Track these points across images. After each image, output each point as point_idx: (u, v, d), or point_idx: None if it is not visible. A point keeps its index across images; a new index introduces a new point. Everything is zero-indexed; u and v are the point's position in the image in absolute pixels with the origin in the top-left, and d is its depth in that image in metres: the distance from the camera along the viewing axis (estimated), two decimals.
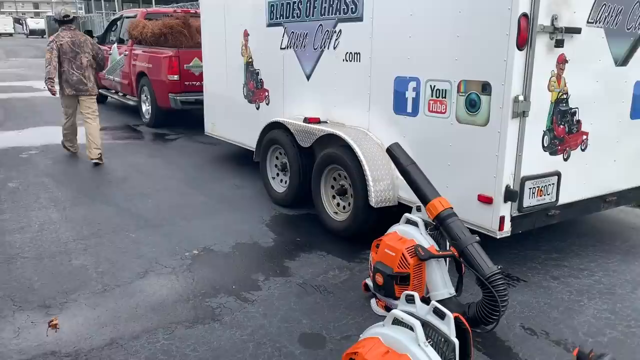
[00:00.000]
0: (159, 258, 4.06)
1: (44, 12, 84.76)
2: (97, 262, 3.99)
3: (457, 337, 2.10)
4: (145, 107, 9.61)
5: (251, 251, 4.24)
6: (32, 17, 75.51)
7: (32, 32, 60.09)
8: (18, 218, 4.86)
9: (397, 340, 2.05)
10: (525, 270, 3.90)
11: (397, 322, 2.12)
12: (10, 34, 63.21)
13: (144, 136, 8.92)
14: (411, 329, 2.06)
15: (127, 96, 10.44)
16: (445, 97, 3.66)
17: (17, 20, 72.06)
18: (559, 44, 3.30)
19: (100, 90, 11.49)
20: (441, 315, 2.13)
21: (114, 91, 11.11)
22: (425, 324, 2.11)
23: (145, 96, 9.51)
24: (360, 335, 2.23)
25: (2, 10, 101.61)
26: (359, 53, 4.37)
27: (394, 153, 3.28)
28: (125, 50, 10.04)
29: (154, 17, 9.88)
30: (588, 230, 4.74)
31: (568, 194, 3.71)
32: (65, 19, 6.88)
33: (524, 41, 3.18)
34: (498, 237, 3.44)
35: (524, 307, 3.39)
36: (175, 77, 8.62)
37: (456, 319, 2.15)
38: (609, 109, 3.83)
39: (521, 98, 3.24)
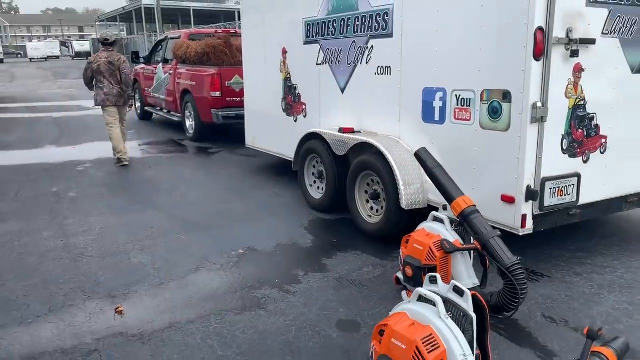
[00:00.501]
0: (208, 256, 4.45)
1: (89, 34, 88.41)
2: (153, 260, 4.41)
3: (475, 312, 2.39)
4: (189, 123, 10.16)
5: (291, 251, 4.59)
6: (77, 40, 78.93)
7: (78, 54, 62.78)
8: (80, 223, 5.35)
9: (421, 314, 2.36)
10: (549, 267, 4.13)
11: (421, 299, 2.43)
12: (57, 57, 66.16)
13: (188, 150, 9.45)
14: (434, 304, 2.36)
15: (172, 113, 11.04)
16: (469, 106, 3.96)
17: (63, 44, 75.39)
18: (574, 54, 3.57)
19: (146, 108, 12.25)
20: (460, 293, 2.42)
21: (159, 108, 11.76)
22: (446, 300, 2.41)
23: (189, 112, 10.06)
24: (390, 312, 2.54)
25: (49, 34, 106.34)
26: (390, 67, 4.71)
27: (422, 157, 3.59)
28: (170, 70, 10.65)
29: (197, 38, 10.48)
30: (614, 231, 4.92)
31: (589, 195, 3.94)
32: (105, 41, 8.06)
33: (540, 52, 3.47)
34: (521, 234, 3.70)
35: (546, 299, 3.63)
36: (218, 93, 9.13)
37: (474, 297, 2.44)
38: (628, 113, 4.05)
39: (539, 105, 3.52)
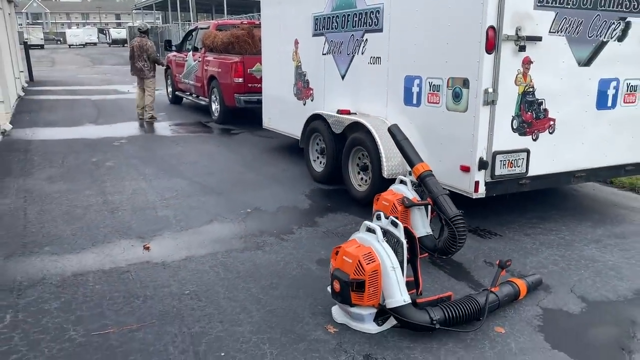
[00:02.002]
0: (220, 213, 5.35)
1: (125, 22, 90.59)
2: (175, 214, 5.32)
3: (408, 241, 3.21)
4: (215, 106, 11.09)
5: (291, 211, 5.46)
6: (114, 28, 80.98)
7: (115, 42, 64.59)
8: (116, 185, 6.32)
9: (365, 239, 3.18)
10: (504, 229, 4.89)
11: (368, 230, 3.25)
12: (95, 44, 68.21)
13: (212, 130, 10.39)
14: (375, 232, 3.18)
15: (200, 97, 12.01)
16: (439, 91, 4.74)
17: (100, 31, 77.50)
18: (522, 49, 4.31)
19: (176, 93, 13.24)
20: (395, 225, 3.24)
21: (188, 93, 12.74)
22: (386, 231, 3.23)
23: (215, 97, 11.00)
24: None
25: (88, 20, 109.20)
26: (380, 57, 5.50)
27: (392, 131, 4.40)
28: (199, 57, 11.60)
29: (224, 28, 11.38)
30: (572, 205, 5.64)
31: (538, 168, 4.68)
32: (139, 30, 11.45)
33: (491, 47, 4.22)
34: (474, 197, 4.47)
35: (491, 250, 4.41)
36: (240, 79, 10.03)
37: (405, 229, 3.25)
38: (574, 100, 4.76)
39: (490, 90, 4.28)
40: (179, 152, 8.29)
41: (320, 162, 6.53)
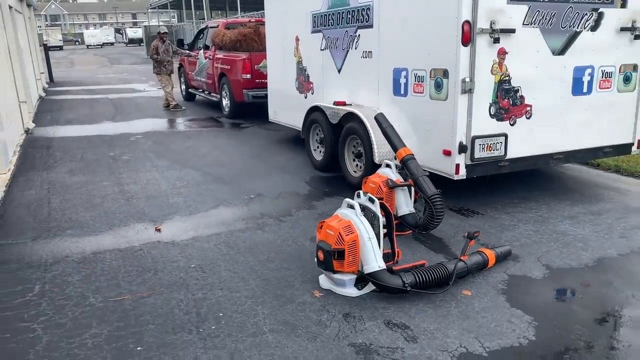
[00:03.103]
0: (226, 199, 5.81)
1: (141, 21, 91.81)
2: (185, 201, 5.80)
3: (385, 216, 3.63)
4: (225, 102, 11.57)
5: (291, 197, 5.90)
6: (130, 27, 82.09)
7: (131, 41, 65.64)
8: (132, 176, 6.82)
9: (346, 214, 3.60)
10: (486, 208, 5.27)
11: (349, 206, 3.67)
12: (112, 44, 69.37)
13: (223, 125, 10.87)
14: (354, 208, 3.60)
15: (211, 94, 12.50)
16: (423, 82, 5.13)
17: (117, 31, 78.66)
18: (497, 40, 4.68)
19: (190, 90, 13.72)
20: (372, 201, 3.66)
21: (200, 90, 13.25)
22: (364, 207, 3.65)
23: (225, 93, 11.47)
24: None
25: (105, 21, 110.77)
26: (371, 51, 5.90)
27: (378, 119, 4.81)
28: (210, 55, 12.08)
29: (232, 27, 11.84)
30: (556, 186, 5.98)
31: (516, 151, 5.05)
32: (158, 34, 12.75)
33: (467, 40, 4.60)
34: (455, 179, 4.86)
35: (472, 227, 4.80)
36: (248, 75, 10.48)
37: (381, 204, 3.66)
38: (551, 87, 5.11)
39: (467, 79, 4.65)
40: (191, 145, 8.77)
41: (320, 151, 6.95)
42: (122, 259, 4.30)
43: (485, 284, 3.72)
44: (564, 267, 3.97)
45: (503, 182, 5.86)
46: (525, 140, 5.09)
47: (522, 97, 4.99)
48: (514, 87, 4.93)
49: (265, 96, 10.30)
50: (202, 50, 12.74)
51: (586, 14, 5.08)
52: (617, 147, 5.66)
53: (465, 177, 4.90)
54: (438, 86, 4.92)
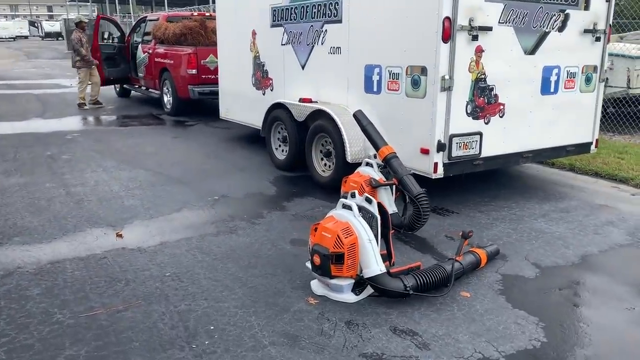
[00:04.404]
0: (188, 201, 5.44)
1: (58, 14, 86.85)
2: (142, 203, 5.37)
3: (380, 216, 3.46)
4: (167, 98, 11.02)
5: (258, 197, 5.62)
6: (47, 20, 77.53)
7: (48, 35, 61.98)
8: (77, 177, 6.27)
9: (342, 215, 3.41)
10: (460, 207, 5.24)
11: (344, 206, 3.48)
12: (26, 37, 65.25)
13: (166, 122, 10.34)
14: (351, 209, 3.41)
15: (150, 89, 11.89)
16: (398, 79, 5.01)
17: (32, 23, 74.07)
18: (475, 38, 4.65)
19: (124, 86, 12.96)
20: (369, 201, 3.48)
21: (137, 86, 12.57)
22: (361, 208, 3.46)
23: (167, 89, 10.93)
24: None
25: (17, 13, 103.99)
26: (340, 47, 5.72)
27: (357, 116, 4.65)
28: (149, 49, 11.47)
29: (174, 20, 11.30)
30: (520, 184, 6.08)
31: (490, 149, 5.04)
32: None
33: (447, 36, 4.53)
34: (433, 177, 4.78)
35: (451, 226, 4.74)
36: (194, 71, 10.03)
37: (379, 204, 3.50)
38: (522, 86, 5.15)
39: (447, 77, 4.59)
40: (136, 144, 8.24)
41: (283, 150, 6.70)
42: (86, 268, 3.87)
43: (481, 285, 3.65)
44: (553, 265, 3.97)
45: (471, 181, 5.86)
46: (498, 139, 5.10)
47: (496, 95, 5.00)
48: (489, 86, 4.92)
49: (212, 92, 9.98)
50: (140, 45, 12.09)
51: (554, 14, 5.17)
52: (578, 146, 5.81)
53: (442, 176, 4.84)
54: (415, 83, 4.82)
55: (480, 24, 4.66)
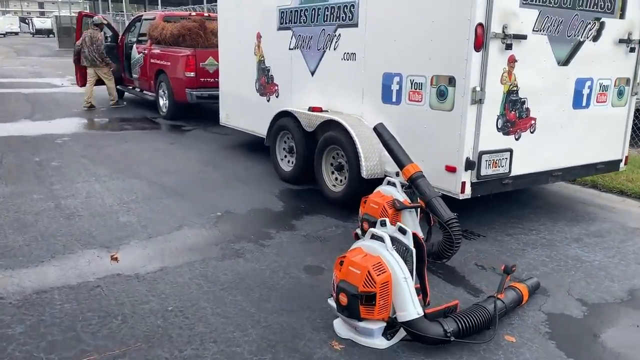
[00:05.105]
0: (189, 217, 4.99)
1: (49, 11, 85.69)
2: (139, 219, 4.92)
3: (415, 248, 3.04)
4: (163, 101, 10.55)
5: (264, 214, 5.18)
6: (38, 17, 76.42)
7: (39, 32, 61.06)
8: (67, 188, 5.79)
9: (373, 247, 2.99)
10: (486, 229, 4.84)
11: (374, 237, 3.05)
12: (16, 33, 64.23)
13: (161, 127, 9.87)
14: (383, 241, 2.99)
15: (145, 92, 11.41)
16: (421, 89, 4.60)
17: (22, 20, 73.00)
18: (509, 47, 4.24)
19: (118, 87, 12.47)
20: (403, 232, 3.06)
21: (131, 87, 12.07)
22: (393, 239, 3.04)
23: (163, 91, 10.45)
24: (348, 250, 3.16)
25: (8, 9, 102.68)
26: (355, 53, 5.31)
27: (379, 130, 4.22)
28: (145, 49, 10.99)
29: (172, 20, 10.83)
30: (544, 204, 5.68)
31: (519, 167, 4.64)
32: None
33: (480, 44, 4.12)
34: (460, 198, 4.37)
35: (479, 252, 4.33)
36: (192, 74, 9.56)
37: (414, 235, 3.08)
38: (554, 99, 4.76)
39: (478, 89, 4.18)
40: (130, 149, 7.77)
41: (289, 161, 6.27)
42: (77, 300, 3.41)
43: (525, 326, 3.23)
44: (600, 302, 3.57)
45: (491, 200, 5.46)
46: (528, 156, 4.70)
47: (527, 109, 4.60)
48: (521, 99, 4.52)
49: (211, 97, 9.53)
50: (135, 44, 11.60)
51: (589, 22, 4.78)
52: (607, 164, 5.43)
53: (469, 197, 4.43)
54: (441, 95, 4.42)
55: (514, 32, 4.25)
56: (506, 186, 4.64)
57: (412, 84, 4.69)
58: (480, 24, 4.09)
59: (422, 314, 2.89)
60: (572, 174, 5.24)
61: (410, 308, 2.87)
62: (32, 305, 3.34)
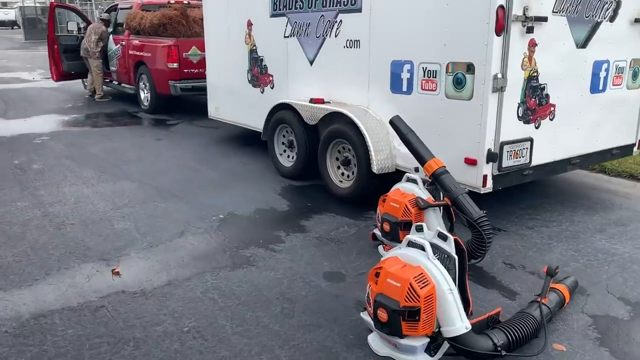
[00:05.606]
0: (190, 222, 4.66)
1: (13, 2, 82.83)
2: (136, 226, 4.57)
3: (456, 254, 2.79)
4: (144, 95, 10.09)
5: (270, 214, 4.88)
6: (0, 8, 73.74)
7: (2, 24, 58.88)
8: (53, 193, 5.40)
9: (412, 257, 2.72)
10: (505, 223, 4.62)
11: (410, 244, 2.79)
12: None
13: (145, 122, 9.43)
14: (422, 248, 2.73)
15: (124, 84, 10.93)
16: (435, 77, 4.33)
17: None
18: (530, 30, 3.99)
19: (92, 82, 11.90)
20: (444, 238, 2.81)
21: (108, 80, 11.55)
22: (432, 245, 2.78)
23: (144, 84, 9.99)
24: (381, 259, 2.89)
25: None
26: (359, 40, 4.99)
27: (396, 123, 3.94)
28: (122, 40, 10.48)
29: (150, 8, 10.33)
30: (557, 191, 5.49)
31: (539, 157, 4.42)
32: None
33: (501, 28, 3.85)
34: (482, 192, 4.13)
35: (504, 249, 4.11)
36: (175, 65, 9.13)
37: (455, 241, 2.83)
38: (572, 84, 4.54)
39: (499, 76, 3.92)
40: (115, 148, 7.36)
41: (289, 156, 5.96)
42: (80, 324, 3.09)
43: (572, 332, 3.02)
44: None
45: (499, 190, 5.25)
46: (548, 145, 4.48)
47: (547, 95, 4.37)
48: (541, 85, 4.28)
49: (195, 88, 9.16)
50: (110, 35, 11.07)
51: (607, 2, 4.55)
52: (622, 148, 5.25)
53: (491, 190, 4.20)
54: (459, 83, 4.15)
55: (535, 14, 3.99)
56: (526, 177, 4.42)
57: (424, 72, 4.41)
58: (501, 6, 3.82)
59: (470, 327, 2.64)
60: (589, 160, 5.03)
61: (458, 322, 2.62)
62: (32, 332, 3.00)
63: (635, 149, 5.40)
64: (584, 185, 5.72)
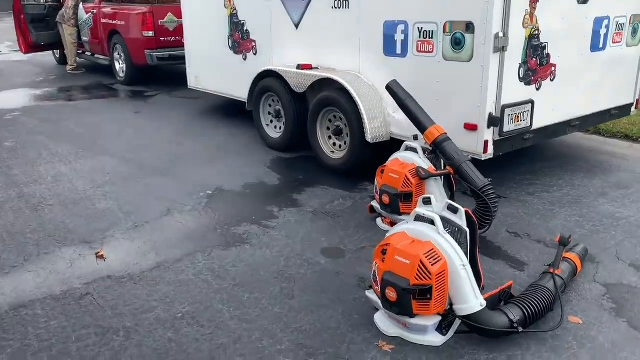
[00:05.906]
0: (176, 199, 4.42)
1: None
2: (119, 205, 4.32)
3: (467, 227, 2.62)
4: (119, 65, 9.65)
5: (260, 189, 4.65)
6: None
7: None
8: (28, 172, 5.10)
9: (421, 231, 2.54)
10: (504, 190, 4.46)
11: (419, 218, 2.60)
12: None
13: (122, 94, 9.03)
14: (431, 222, 2.55)
15: (97, 55, 10.46)
16: (432, 38, 4.09)
17: None
18: None
19: (65, 52, 11.42)
20: (454, 210, 2.63)
21: (81, 51, 11.04)
22: (442, 218, 2.60)
23: (119, 54, 9.55)
24: (386, 234, 2.71)
25: None
26: (348, 0, 4.71)
27: (393, 89, 3.71)
28: (93, 9, 9.97)
29: None
30: (555, 155, 5.35)
31: (540, 120, 4.25)
32: None
33: None
34: (483, 159, 3.95)
35: (507, 217, 3.96)
36: (150, 33, 8.71)
37: (466, 213, 2.65)
38: (573, 43, 4.34)
39: (501, 35, 3.70)
40: (92, 122, 7.01)
41: (276, 127, 5.70)
42: (65, 314, 2.87)
43: (586, 303, 2.89)
44: None
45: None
46: (548, 107, 4.30)
47: (548, 55, 4.17)
48: (542, 44, 4.08)
49: (172, 57, 8.81)
50: (81, 3, 10.52)
51: None
52: (620, 109, 5.11)
53: (492, 156, 4.02)
54: (457, 43, 3.92)
55: None
56: (527, 141, 4.26)
57: (420, 32, 4.17)
58: None
59: (485, 304, 2.49)
60: (589, 122, 4.88)
61: (472, 300, 2.46)
62: (12, 325, 2.78)
63: (633, 108, 5.26)
64: (581, 148, 5.59)
